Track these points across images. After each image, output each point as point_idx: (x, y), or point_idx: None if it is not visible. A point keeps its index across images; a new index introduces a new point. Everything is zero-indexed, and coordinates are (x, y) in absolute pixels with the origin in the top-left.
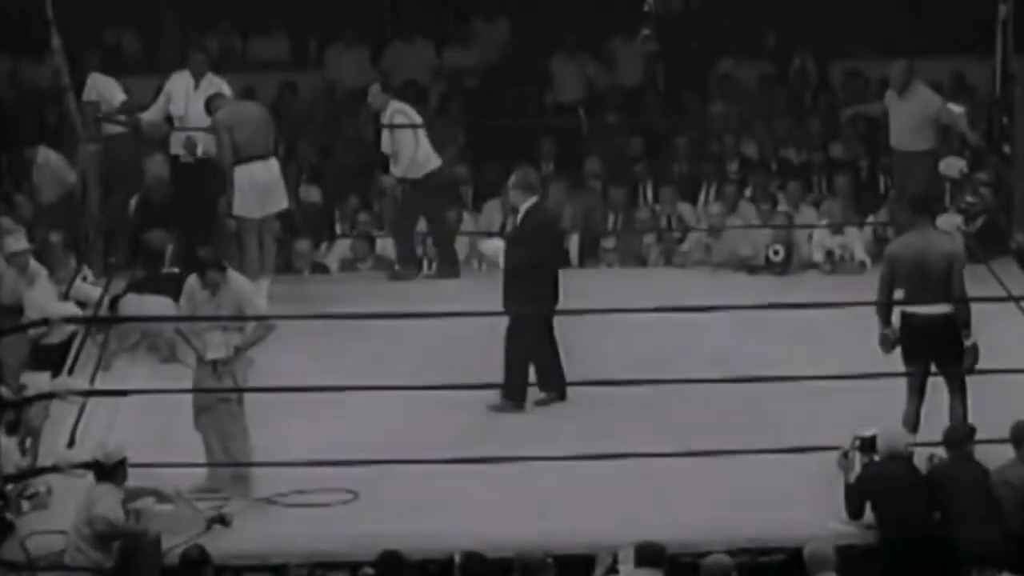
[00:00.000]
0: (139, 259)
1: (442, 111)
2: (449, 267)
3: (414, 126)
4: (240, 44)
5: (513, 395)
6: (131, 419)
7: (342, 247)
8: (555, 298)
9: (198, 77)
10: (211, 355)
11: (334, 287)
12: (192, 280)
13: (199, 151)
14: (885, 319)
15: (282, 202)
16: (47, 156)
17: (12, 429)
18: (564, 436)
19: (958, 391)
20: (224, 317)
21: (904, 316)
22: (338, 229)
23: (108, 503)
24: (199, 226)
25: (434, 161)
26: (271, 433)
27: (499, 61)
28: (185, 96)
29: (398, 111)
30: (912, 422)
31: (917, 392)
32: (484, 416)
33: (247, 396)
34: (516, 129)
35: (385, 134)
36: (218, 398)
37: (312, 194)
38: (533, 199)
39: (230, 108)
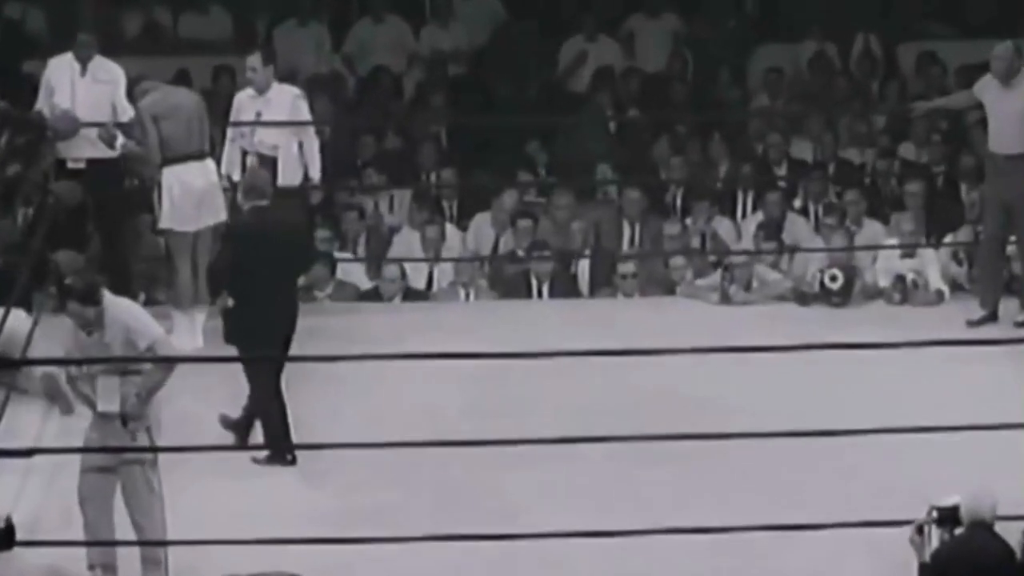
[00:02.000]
0: (47, 284)
1: (419, 104)
2: None
3: (302, 123)
4: (170, 21)
5: (273, 446)
6: (41, 483)
7: None
8: (276, 330)
9: (84, 60)
10: (103, 407)
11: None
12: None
13: (117, 144)
14: None
15: (220, 213)
16: None
17: None
18: (573, 495)
19: None
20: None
21: None
22: None
23: None
24: (114, 244)
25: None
26: (191, 500)
27: (490, 43)
28: (70, 85)
29: (300, 98)
30: None
31: None
32: (472, 472)
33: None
34: (511, 127)
35: (273, 126)
36: (131, 459)
37: None
38: (259, 204)
39: (157, 95)
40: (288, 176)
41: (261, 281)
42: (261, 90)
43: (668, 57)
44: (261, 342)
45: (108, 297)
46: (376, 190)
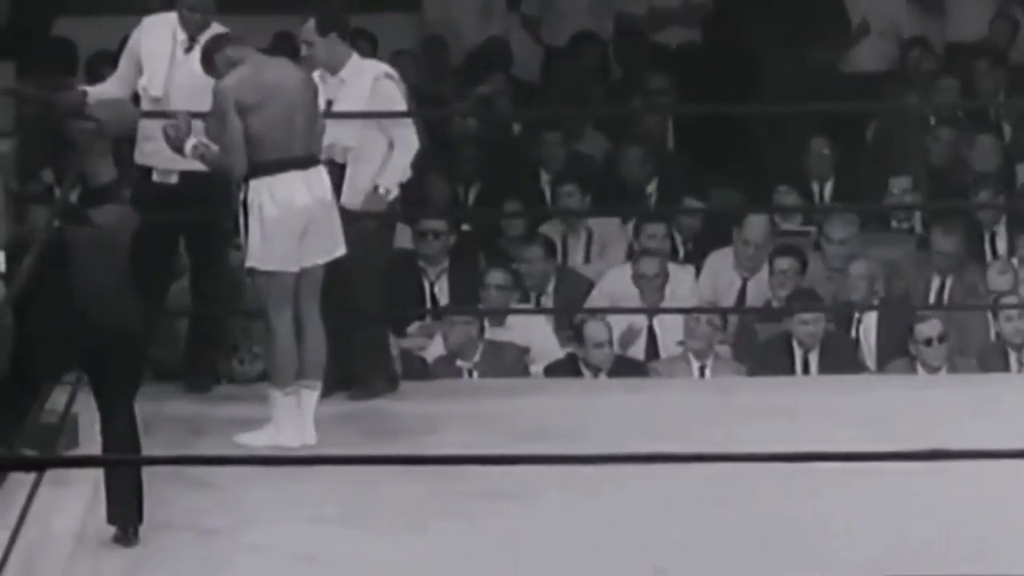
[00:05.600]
0: None
1: (632, 87)
2: (385, 376)
3: (399, 114)
4: None
5: None
6: None
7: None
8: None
9: (194, 29)
10: None
11: (439, 407)
12: None
13: (188, 147)
14: None
15: (337, 246)
16: None
17: None
18: None
19: None
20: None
21: None
22: (439, 296)
23: None
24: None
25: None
26: None
27: None
28: (168, 63)
29: (387, 79)
30: None
31: None
32: None
33: None
34: (768, 120)
35: (352, 121)
36: None
37: (401, 232)
38: None
39: (246, 72)
40: (357, 193)
41: None
42: (333, 68)
43: (990, 20)
44: None
45: None
46: (569, 215)
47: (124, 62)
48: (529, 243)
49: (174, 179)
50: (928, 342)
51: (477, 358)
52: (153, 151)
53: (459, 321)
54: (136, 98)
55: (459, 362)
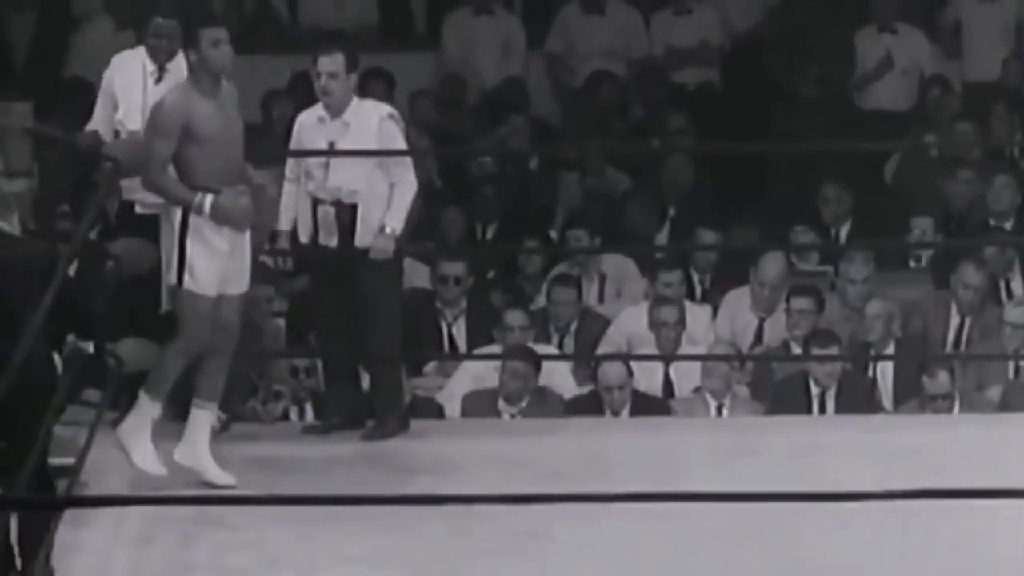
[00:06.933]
0: (105, 384)
1: (646, 123)
2: (397, 416)
3: (399, 153)
4: (284, 1)
5: None
6: None
7: (471, 371)
8: None
9: (162, 59)
10: None
11: (457, 447)
12: None
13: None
14: None
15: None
16: None
17: None
18: None
19: None
20: None
21: None
22: (456, 336)
23: None
24: None
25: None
26: None
27: (752, 37)
28: (142, 95)
29: (391, 120)
30: None
31: None
32: None
33: None
34: (785, 158)
35: (358, 163)
36: None
37: (417, 272)
38: None
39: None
40: (371, 233)
41: None
42: (338, 109)
43: (1004, 60)
44: None
45: None
46: (586, 253)
47: (100, 101)
48: (560, 284)
49: (158, 210)
50: (933, 399)
51: (524, 404)
52: (134, 185)
53: (513, 366)
54: (117, 135)
55: (502, 404)
